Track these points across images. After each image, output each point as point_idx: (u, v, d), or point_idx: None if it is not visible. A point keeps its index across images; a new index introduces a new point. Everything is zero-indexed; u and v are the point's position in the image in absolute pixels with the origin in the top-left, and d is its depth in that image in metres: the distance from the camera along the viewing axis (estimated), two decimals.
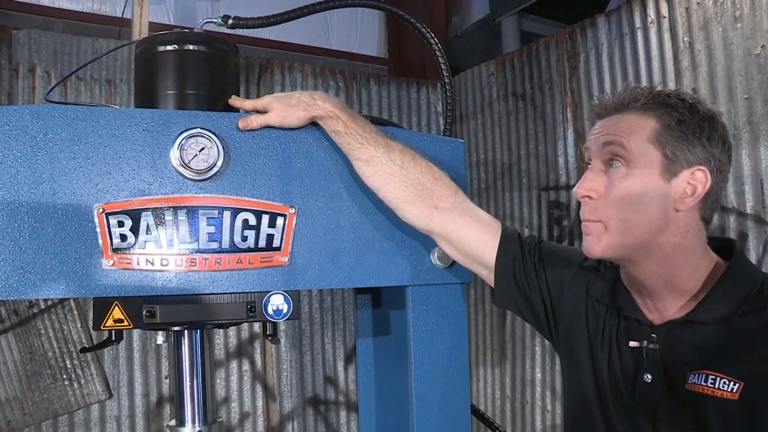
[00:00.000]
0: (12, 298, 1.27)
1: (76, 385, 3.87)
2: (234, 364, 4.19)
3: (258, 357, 4.29)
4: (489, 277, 1.51)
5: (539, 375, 4.08)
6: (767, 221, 2.85)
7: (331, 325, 4.52)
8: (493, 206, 4.54)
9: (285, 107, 1.43)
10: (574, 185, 3.84)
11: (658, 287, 1.26)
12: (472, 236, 1.48)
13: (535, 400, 4.13)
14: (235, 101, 1.50)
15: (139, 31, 4.28)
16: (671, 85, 3.23)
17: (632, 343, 1.29)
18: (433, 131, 4.97)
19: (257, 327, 4.23)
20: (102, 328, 1.33)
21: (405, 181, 1.45)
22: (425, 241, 1.56)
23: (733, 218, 2.96)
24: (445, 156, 1.59)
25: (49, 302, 3.79)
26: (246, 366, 4.24)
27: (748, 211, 2.91)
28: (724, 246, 1.29)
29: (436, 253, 1.55)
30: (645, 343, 1.27)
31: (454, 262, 1.57)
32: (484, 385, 4.59)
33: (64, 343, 3.84)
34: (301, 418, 4.42)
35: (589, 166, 1.28)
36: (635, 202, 1.21)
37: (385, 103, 4.89)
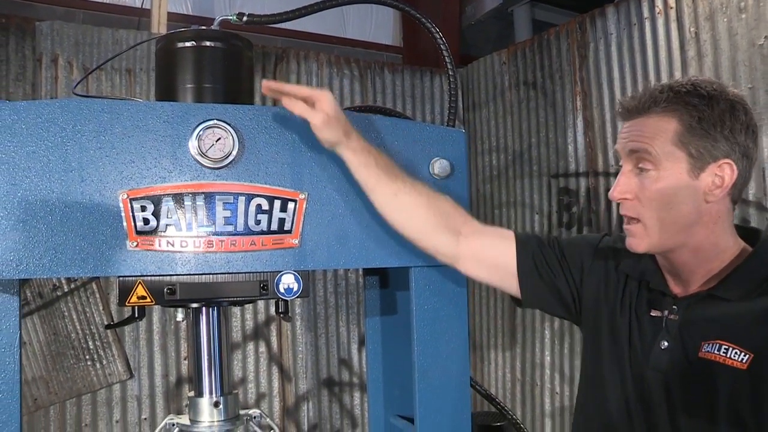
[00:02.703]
0: (45, 277, 1.38)
1: (98, 365, 3.98)
2: (251, 346, 4.29)
3: (274, 339, 4.38)
4: (514, 284, 1.59)
5: (548, 358, 4.16)
6: None
7: (345, 309, 4.60)
8: (504, 192, 4.60)
9: (331, 118, 1.45)
10: (583, 172, 3.94)
11: (688, 268, 1.35)
12: (496, 249, 1.59)
13: (545, 382, 4.21)
14: (283, 87, 1.49)
15: (158, 22, 4.37)
16: (677, 75, 3.28)
17: (654, 312, 1.39)
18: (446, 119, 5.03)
19: (273, 310, 4.34)
20: (126, 304, 1.43)
21: (432, 211, 1.54)
22: None
23: (735, 205, 3.03)
24: (447, 145, 1.68)
25: (72, 285, 3.90)
26: (262, 348, 4.34)
27: (750, 198, 2.97)
28: (750, 233, 1.39)
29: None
30: (666, 313, 1.37)
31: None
32: (495, 368, 4.67)
33: (87, 324, 3.96)
34: (315, 399, 4.51)
35: (621, 169, 1.36)
36: (668, 202, 1.29)
37: (399, 91, 4.93)
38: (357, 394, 4.63)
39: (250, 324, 4.32)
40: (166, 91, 1.60)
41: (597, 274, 1.53)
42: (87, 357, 3.96)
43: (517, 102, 4.49)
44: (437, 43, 1.77)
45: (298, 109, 1.45)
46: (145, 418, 4.08)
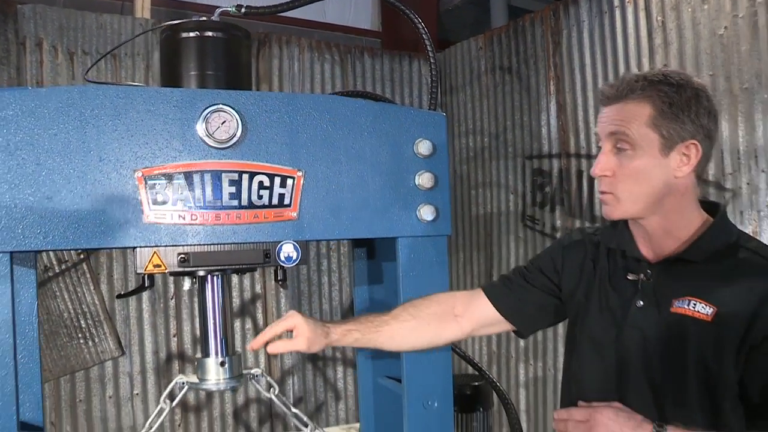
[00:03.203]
0: (68, 248, 1.52)
1: (90, 343, 4.08)
2: (237, 324, 4.41)
3: (260, 316, 4.51)
4: (505, 324, 1.82)
5: None
6: (726, 187, 3.09)
7: (327, 287, 4.75)
8: (480, 173, 4.76)
9: (310, 337, 1.68)
10: (556, 154, 4.11)
11: (659, 234, 1.53)
12: (486, 310, 1.80)
13: (519, 354, 4.40)
14: (264, 336, 1.69)
15: (142, 7, 4.44)
16: (645, 62, 3.45)
17: (630, 276, 1.56)
18: (424, 102, 5.16)
19: (258, 288, 4.48)
20: (144, 271, 1.58)
21: (426, 323, 1.79)
22: (413, 200, 1.82)
23: (699, 181, 3.21)
24: (429, 127, 1.84)
25: (63, 266, 3.99)
26: (249, 325, 4.48)
27: (710, 178, 3.15)
28: (711, 206, 1.57)
29: (421, 210, 1.81)
30: (641, 276, 1.54)
31: (437, 216, 1.83)
32: (473, 342, 4.85)
33: (78, 304, 4.05)
34: (300, 374, 4.66)
35: (601, 149, 1.53)
36: (641, 178, 1.47)
37: (379, 75, 5.05)
38: (340, 368, 4.78)
39: (236, 302, 4.43)
40: (172, 78, 1.74)
41: (572, 265, 1.72)
42: (79, 335, 4.05)
43: (493, 86, 4.65)
44: (419, 32, 1.93)
45: (284, 348, 1.73)
46: (137, 394, 4.20)
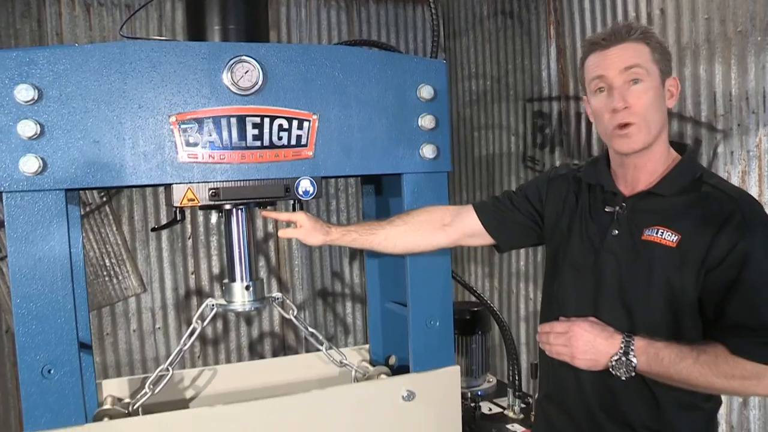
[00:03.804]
0: (113, 185, 1.73)
1: (115, 281, 4.33)
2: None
3: (272, 254, 4.73)
4: (486, 237, 2.02)
5: (523, 268, 4.56)
6: (717, 128, 3.21)
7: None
8: (483, 116, 4.91)
9: (309, 230, 1.96)
10: (555, 97, 4.25)
11: (640, 169, 1.72)
12: (472, 223, 2.01)
13: (519, 290, 4.61)
14: (269, 214, 2.04)
15: None
16: (642, 6, 3.55)
17: (608, 208, 1.76)
18: (428, 47, 5.29)
19: (271, 227, 4.70)
20: (180, 205, 1.79)
21: (416, 228, 2.00)
22: (416, 140, 2.02)
23: (690, 126, 3.28)
24: (431, 74, 2.03)
25: (87, 209, 4.22)
26: (262, 262, 4.68)
27: (703, 120, 3.28)
28: (680, 146, 1.77)
29: (423, 149, 2.01)
30: (617, 208, 1.74)
31: (438, 155, 2.03)
32: (476, 278, 5.07)
33: (103, 244, 4.29)
34: (311, 308, 4.89)
35: (612, 86, 1.66)
36: (656, 105, 1.65)
37: (383, 21, 5.13)
38: (349, 304, 4.98)
39: None
40: (197, 32, 1.93)
41: (556, 197, 1.92)
42: (104, 273, 4.29)
43: (495, 31, 4.76)
44: None
45: (288, 234, 1.98)
46: (159, 327, 4.45)
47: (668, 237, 1.63)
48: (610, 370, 1.62)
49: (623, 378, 1.61)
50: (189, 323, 2.13)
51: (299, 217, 1.97)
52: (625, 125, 1.64)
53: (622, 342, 1.61)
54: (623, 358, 1.60)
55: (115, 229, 4.32)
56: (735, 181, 3.02)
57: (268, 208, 2.05)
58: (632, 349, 1.60)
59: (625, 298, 1.69)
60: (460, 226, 2.02)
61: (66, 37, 4.15)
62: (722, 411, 3.04)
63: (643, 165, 1.71)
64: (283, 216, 2.02)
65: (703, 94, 3.19)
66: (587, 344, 1.64)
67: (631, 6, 3.64)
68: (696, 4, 3.25)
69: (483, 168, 4.97)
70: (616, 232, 1.73)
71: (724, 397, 3.07)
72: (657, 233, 1.65)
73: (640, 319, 1.67)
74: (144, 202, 4.38)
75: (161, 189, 4.05)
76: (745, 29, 3.04)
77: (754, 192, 2.94)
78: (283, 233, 1.99)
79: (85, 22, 4.22)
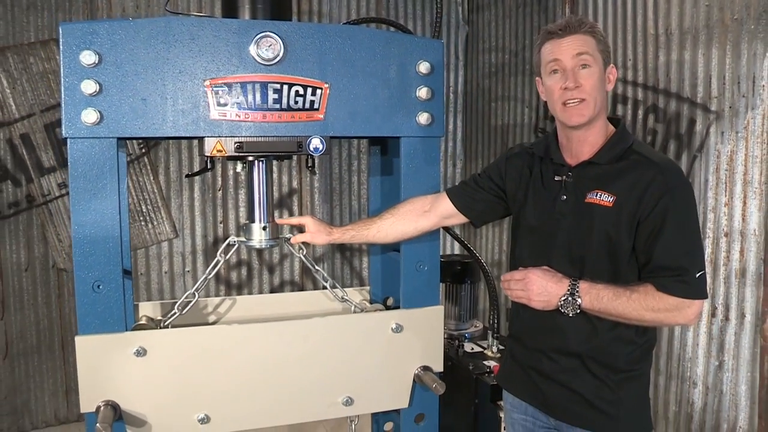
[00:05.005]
0: (157, 136, 2.06)
1: (150, 225, 4.70)
2: (276, 214, 4.81)
3: (296, 208, 5.03)
4: (461, 217, 2.34)
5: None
6: (711, 109, 3.37)
7: (357, 185, 5.22)
8: (500, 87, 5.12)
9: (314, 233, 2.39)
10: None
11: (583, 142, 2.01)
12: (447, 207, 2.34)
13: (504, 250, 4.90)
14: (280, 221, 2.47)
15: None
16: None
17: (557, 178, 2.06)
18: (452, 20, 5.53)
19: (295, 183, 5.00)
20: (210, 154, 2.12)
21: (401, 218, 2.34)
22: (413, 108, 2.32)
23: (686, 106, 3.45)
24: (430, 51, 2.33)
25: (128, 159, 4.55)
26: (286, 214, 4.99)
27: (698, 101, 3.47)
28: (615, 121, 2.06)
29: (419, 116, 2.32)
30: (564, 177, 2.04)
31: (432, 122, 2.34)
32: (486, 241, 5.37)
33: (141, 192, 4.64)
34: (330, 261, 5.21)
35: (566, 69, 1.93)
36: (600, 86, 1.94)
37: None
38: (365, 258, 5.26)
39: (276, 195, 4.92)
40: (230, 10, 2.25)
41: (514, 171, 2.21)
42: (141, 218, 4.66)
43: (515, 6, 4.96)
44: None
45: (299, 240, 2.42)
46: (188, 270, 4.82)
47: (606, 198, 1.93)
48: (560, 308, 1.94)
49: (570, 315, 1.93)
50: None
51: (306, 220, 2.40)
52: (581, 101, 1.92)
53: (569, 285, 1.92)
54: (570, 298, 1.91)
55: (152, 178, 4.66)
56: (724, 160, 3.22)
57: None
58: (577, 291, 1.91)
59: (573, 251, 2.00)
60: (438, 210, 2.34)
61: (115, 8, 4.46)
62: (699, 373, 3.33)
63: (585, 138, 1.99)
64: (293, 221, 2.47)
65: (699, 76, 3.36)
66: (541, 288, 1.95)
67: None
68: None
69: (498, 137, 5.21)
70: (565, 197, 2.02)
71: (702, 361, 3.39)
72: (597, 196, 1.95)
73: (585, 267, 1.97)
74: (179, 155, 4.71)
75: (195, 143, 4.41)
76: (740, 17, 3.15)
77: (740, 171, 3.14)
78: (294, 240, 2.42)
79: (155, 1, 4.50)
